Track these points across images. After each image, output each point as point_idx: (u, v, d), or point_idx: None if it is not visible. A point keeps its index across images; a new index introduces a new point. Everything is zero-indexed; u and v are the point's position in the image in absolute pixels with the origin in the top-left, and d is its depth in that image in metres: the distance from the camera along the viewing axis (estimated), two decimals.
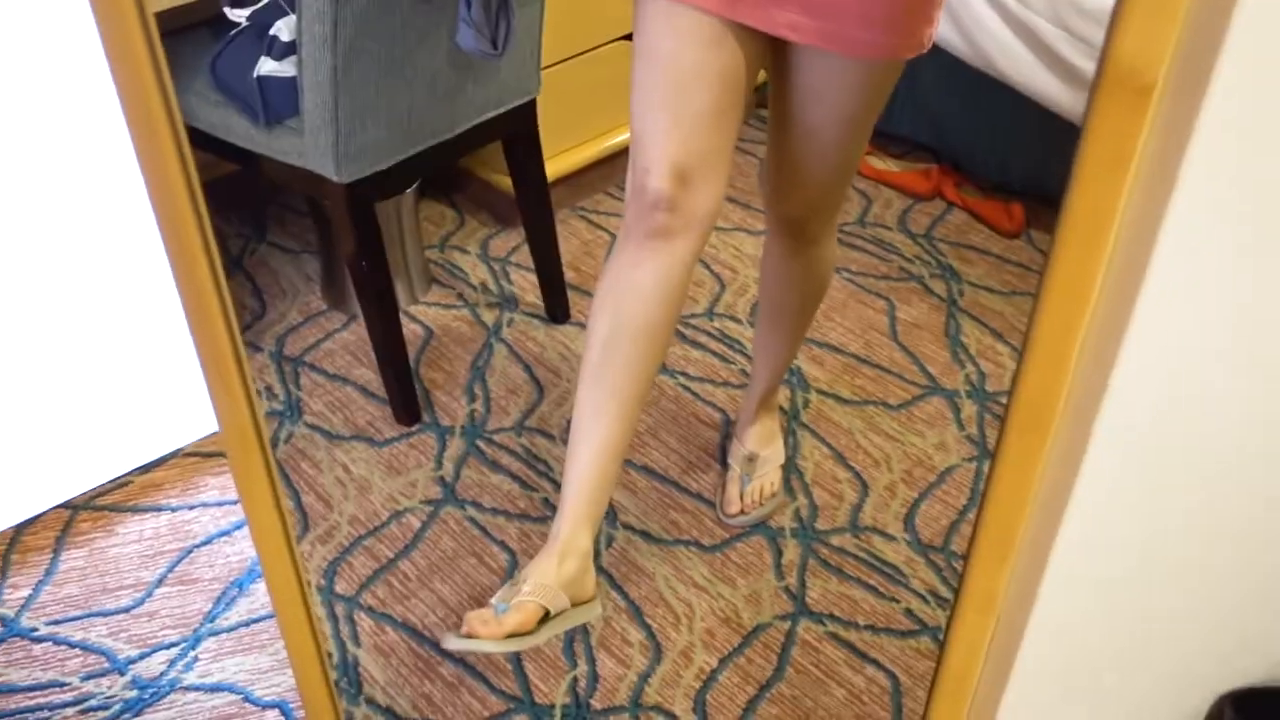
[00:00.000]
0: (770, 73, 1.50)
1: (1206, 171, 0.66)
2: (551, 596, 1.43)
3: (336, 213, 1.88)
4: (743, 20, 1.36)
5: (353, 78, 1.71)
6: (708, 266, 2.40)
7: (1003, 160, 2.57)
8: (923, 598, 1.78)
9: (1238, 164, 0.68)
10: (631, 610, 1.76)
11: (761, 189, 1.65)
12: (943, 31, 2.45)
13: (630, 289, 1.45)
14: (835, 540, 1.87)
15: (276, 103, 1.78)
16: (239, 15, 1.80)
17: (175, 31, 1.94)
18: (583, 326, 2.25)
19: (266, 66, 1.77)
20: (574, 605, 1.47)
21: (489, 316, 2.30)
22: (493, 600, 1.44)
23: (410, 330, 2.23)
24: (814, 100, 1.47)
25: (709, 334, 2.27)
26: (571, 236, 2.50)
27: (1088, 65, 2.24)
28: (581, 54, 2.39)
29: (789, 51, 1.44)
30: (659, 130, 1.39)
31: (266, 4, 1.80)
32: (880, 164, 2.70)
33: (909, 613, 1.76)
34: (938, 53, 2.47)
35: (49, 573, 1.79)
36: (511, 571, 1.80)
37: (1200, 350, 0.83)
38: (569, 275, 2.32)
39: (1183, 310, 0.78)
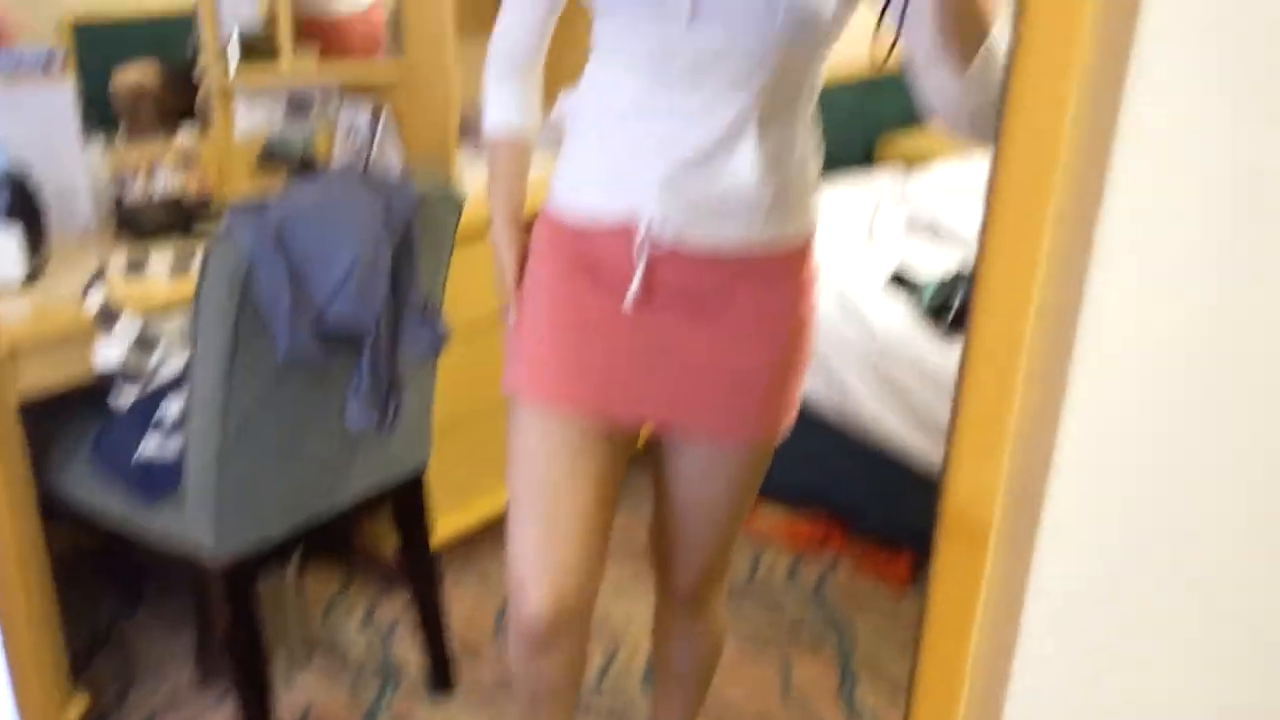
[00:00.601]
0: (651, 458, 1.56)
1: (1045, 613, 0.69)
2: None
3: (213, 590, 1.82)
4: (614, 418, 1.43)
5: (239, 458, 1.71)
6: (598, 632, 2.36)
7: (887, 509, 2.63)
8: None
9: (1068, 606, 0.71)
10: None
11: (649, 557, 1.67)
12: (820, 396, 2.57)
13: (537, 681, 1.53)
14: None
15: (159, 482, 1.77)
16: (126, 397, 1.81)
17: (58, 401, 1.94)
18: (470, 696, 2.17)
19: (151, 446, 1.77)
20: None
21: (371, 689, 2.20)
22: None
23: (287, 706, 2.12)
24: (692, 484, 1.52)
25: (602, 703, 2.20)
26: (462, 594, 2.46)
27: None
28: (473, 412, 2.44)
29: (666, 438, 1.50)
30: (536, 551, 1.43)
31: (155, 384, 1.82)
32: (766, 516, 2.75)
33: None
34: (819, 410, 2.59)
35: None
36: None
37: None
38: (457, 636, 2.26)
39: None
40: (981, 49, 1.17)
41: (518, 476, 1.45)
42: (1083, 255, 0.62)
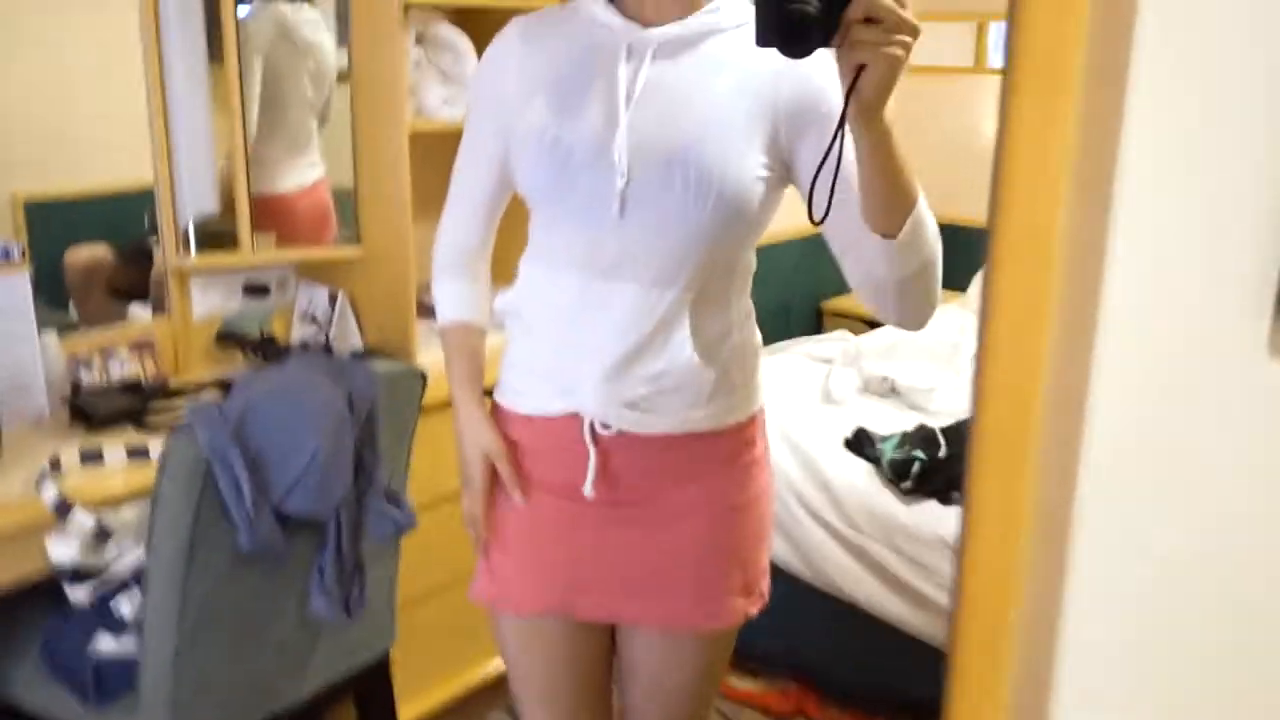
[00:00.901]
0: (615, 644, 1.54)
1: None
2: None
3: None
4: (581, 616, 1.43)
5: (196, 656, 1.65)
6: None
7: (860, 674, 2.59)
8: None
9: None
10: None
11: None
12: (787, 558, 2.56)
13: None
14: None
15: (111, 684, 1.70)
16: (80, 595, 1.75)
17: (6, 599, 1.87)
18: None
19: (104, 645, 1.71)
20: None
21: None
22: None
23: None
24: (653, 671, 1.51)
25: None
26: None
27: (926, 587, 2.35)
28: (437, 588, 2.39)
29: (624, 625, 1.49)
30: None
31: (109, 581, 1.77)
32: (739, 683, 2.70)
33: None
34: (788, 572, 2.57)
35: None
36: None
37: None
38: None
39: None
40: (909, 218, 1.18)
41: (510, 673, 1.51)
42: (1064, 512, 0.63)
